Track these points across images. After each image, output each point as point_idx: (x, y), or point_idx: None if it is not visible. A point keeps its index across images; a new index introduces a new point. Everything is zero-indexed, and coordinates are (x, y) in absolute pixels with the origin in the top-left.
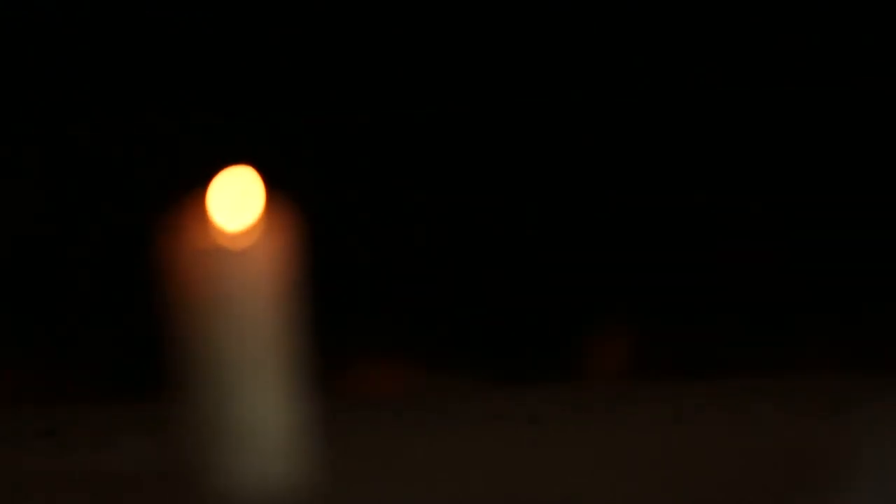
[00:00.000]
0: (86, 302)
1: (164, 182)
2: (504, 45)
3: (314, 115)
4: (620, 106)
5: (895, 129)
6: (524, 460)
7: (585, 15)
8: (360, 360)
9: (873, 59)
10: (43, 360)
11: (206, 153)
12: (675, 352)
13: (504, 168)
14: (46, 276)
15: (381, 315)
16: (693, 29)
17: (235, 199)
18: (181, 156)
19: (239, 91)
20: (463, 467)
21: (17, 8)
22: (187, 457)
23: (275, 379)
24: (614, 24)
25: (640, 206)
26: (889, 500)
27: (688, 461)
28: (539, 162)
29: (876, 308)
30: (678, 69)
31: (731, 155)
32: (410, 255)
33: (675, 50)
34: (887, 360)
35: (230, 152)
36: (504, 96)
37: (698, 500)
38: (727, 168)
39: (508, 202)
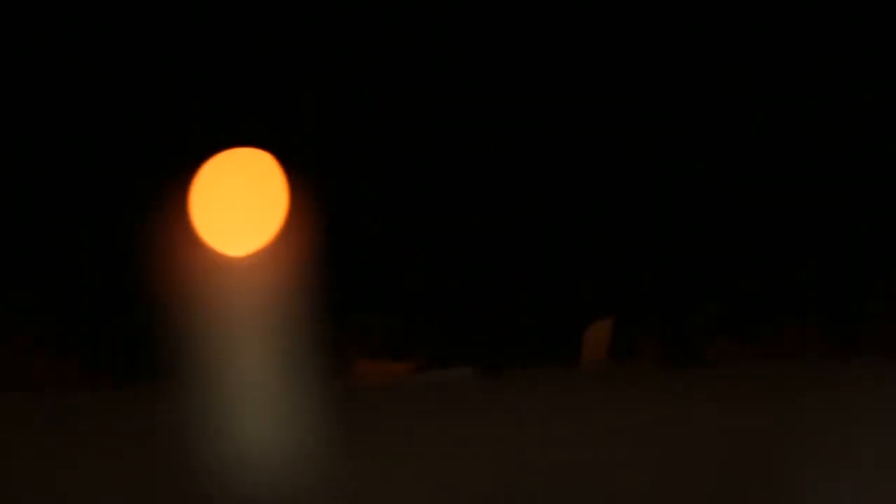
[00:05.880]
0: (91, 292)
1: (165, 172)
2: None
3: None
4: (618, 108)
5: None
6: (519, 449)
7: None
8: (358, 352)
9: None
10: (45, 349)
11: (210, 146)
12: (666, 342)
13: (504, 167)
14: (49, 266)
15: (380, 307)
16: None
17: (246, 188)
18: (185, 146)
19: (249, 82)
20: (459, 458)
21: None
22: (188, 447)
23: (275, 371)
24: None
25: (633, 200)
26: (879, 488)
27: (683, 449)
28: (537, 158)
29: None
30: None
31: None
32: (406, 247)
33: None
34: (874, 347)
35: (234, 146)
36: (501, 98)
37: (694, 488)
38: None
39: (504, 198)
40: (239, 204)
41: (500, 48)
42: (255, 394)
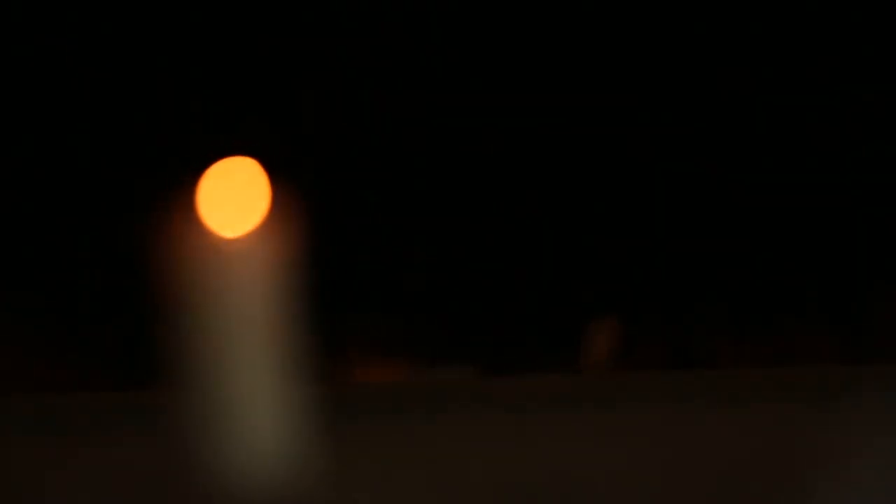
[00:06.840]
0: (85, 292)
1: (163, 172)
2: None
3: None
4: (616, 108)
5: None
6: (519, 450)
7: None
8: (357, 352)
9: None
10: (41, 349)
11: (207, 145)
12: (668, 344)
13: (502, 163)
14: (44, 266)
15: (379, 306)
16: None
17: (236, 193)
18: (182, 146)
19: (241, 83)
20: (458, 458)
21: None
22: (186, 448)
23: (274, 371)
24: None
25: (633, 197)
26: (882, 492)
27: (684, 452)
28: (537, 158)
29: (864, 300)
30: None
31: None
32: (406, 246)
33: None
34: (877, 351)
35: (231, 145)
36: (497, 95)
37: (696, 489)
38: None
39: (503, 195)
40: (232, 197)
41: (501, 48)
42: (253, 394)
